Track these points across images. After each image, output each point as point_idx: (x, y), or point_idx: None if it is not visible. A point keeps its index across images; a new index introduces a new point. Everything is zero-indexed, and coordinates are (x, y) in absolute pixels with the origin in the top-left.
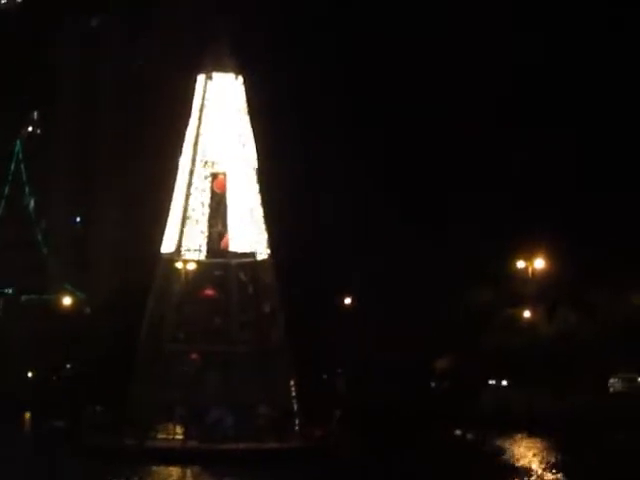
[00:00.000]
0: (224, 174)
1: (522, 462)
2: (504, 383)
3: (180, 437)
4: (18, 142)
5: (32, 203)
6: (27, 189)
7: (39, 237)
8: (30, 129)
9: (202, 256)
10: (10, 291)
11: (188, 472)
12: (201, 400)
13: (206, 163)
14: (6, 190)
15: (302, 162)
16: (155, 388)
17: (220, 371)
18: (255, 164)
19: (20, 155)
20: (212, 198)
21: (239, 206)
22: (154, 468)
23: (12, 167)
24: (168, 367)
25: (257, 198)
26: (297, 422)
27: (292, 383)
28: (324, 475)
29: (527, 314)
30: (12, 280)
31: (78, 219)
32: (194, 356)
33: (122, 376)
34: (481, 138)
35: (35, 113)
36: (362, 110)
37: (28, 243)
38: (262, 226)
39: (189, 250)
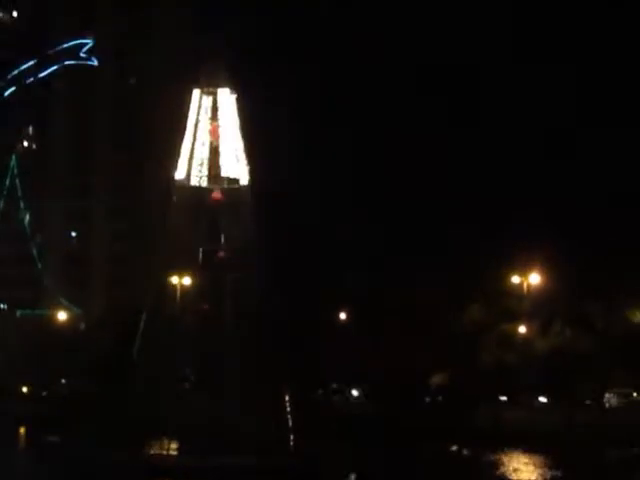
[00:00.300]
0: (220, 189)
1: (518, 477)
2: (543, 400)
3: (174, 452)
4: (13, 157)
5: (27, 218)
6: (22, 204)
7: (34, 252)
8: (25, 144)
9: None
10: (5, 306)
11: None
12: (193, 416)
13: (201, 178)
14: (1, 205)
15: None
16: (149, 403)
17: (213, 386)
18: (249, 178)
19: (15, 170)
20: (206, 214)
21: (234, 221)
22: None
23: (7, 182)
24: (162, 381)
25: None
26: (292, 438)
27: (287, 398)
28: None
29: (522, 329)
30: (7, 295)
31: (73, 234)
32: (188, 370)
33: (116, 391)
34: (479, 147)
35: (30, 128)
36: (359, 118)
37: (23, 258)
38: (254, 242)
39: (184, 266)
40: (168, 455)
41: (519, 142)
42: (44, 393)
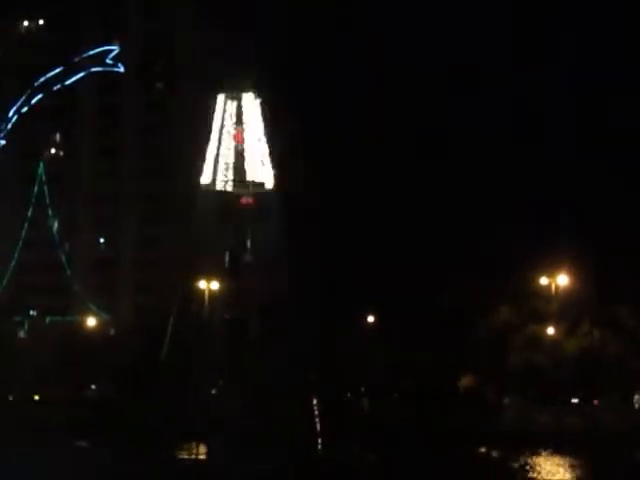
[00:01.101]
0: (248, 193)
1: (549, 479)
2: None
3: (202, 456)
4: (41, 164)
5: (55, 225)
6: (50, 211)
7: (63, 259)
8: (53, 151)
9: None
10: (34, 313)
11: None
12: (223, 419)
13: (227, 182)
14: (30, 212)
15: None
16: (178, 407)
17: (243, 390)
18: (274, 182)
19: (43, 177)
20: (232, 218)
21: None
22: None
23: (35, 189)
24: (191, 386)
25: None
26: (320, 441)
27: (315, 402)
28: None
29: (551, 331)
30: (36, 302)
31: (102, 240)
32: (216, 375)
33: (145, 395)
34: (499, 152)
35: (57, 135)
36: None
37: (52, 265)
38: (281, 245)
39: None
40: (197, 459)
41: (545, 142)
42: (74, 398)
